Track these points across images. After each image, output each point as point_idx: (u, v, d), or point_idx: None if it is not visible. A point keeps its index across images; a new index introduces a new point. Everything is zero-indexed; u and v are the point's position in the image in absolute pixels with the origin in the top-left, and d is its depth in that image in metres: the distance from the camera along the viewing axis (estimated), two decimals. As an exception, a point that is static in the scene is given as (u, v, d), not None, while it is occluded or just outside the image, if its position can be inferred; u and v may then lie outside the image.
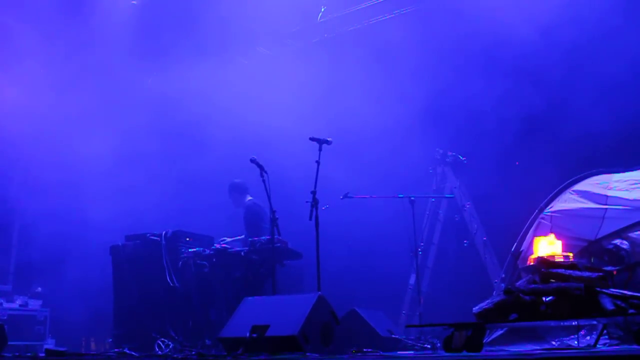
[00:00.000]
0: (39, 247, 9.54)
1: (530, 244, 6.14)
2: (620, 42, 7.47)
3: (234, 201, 8.28)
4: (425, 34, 8.79)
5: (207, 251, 7.34)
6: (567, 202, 6.42)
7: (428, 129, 8.68)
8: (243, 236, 7.86)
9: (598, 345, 5.12)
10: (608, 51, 7.55)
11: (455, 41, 8.51)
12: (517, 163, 8.29)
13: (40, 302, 9.57)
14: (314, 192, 6.41)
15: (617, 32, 7.44)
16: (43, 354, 6.06)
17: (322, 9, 9.92)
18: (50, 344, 9.06)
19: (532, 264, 5.20)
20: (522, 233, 6.59)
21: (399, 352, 5.69)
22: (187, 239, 7.48)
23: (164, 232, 7.38)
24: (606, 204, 6.12)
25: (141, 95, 9.90)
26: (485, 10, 8.12)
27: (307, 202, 6.40)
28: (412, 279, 8.65)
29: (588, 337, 5.43)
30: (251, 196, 8.14)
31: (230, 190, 8.27)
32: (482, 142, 8.44)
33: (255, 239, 7.23)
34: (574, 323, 5.24)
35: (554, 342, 5.65)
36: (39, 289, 9.72)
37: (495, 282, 7.54)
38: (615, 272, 5.31)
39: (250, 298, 5.79)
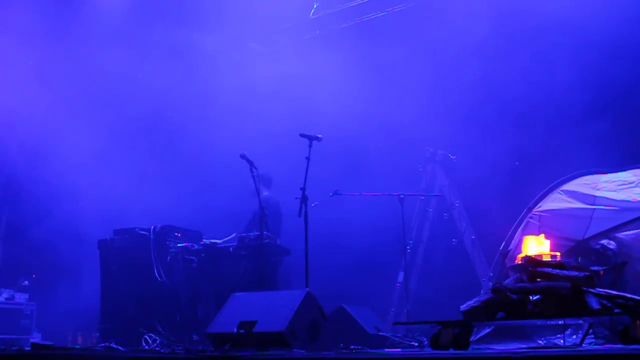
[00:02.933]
0: (25, 240, 9.48)
1: (518, 243, 6.17)
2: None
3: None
4: (417, 32, 8.80)
5: (196, 246, 7.31)
6: (555, 201, 6.45)
7: (418, 127, 8.69)
8: (234, 235, 7.73)
9: (584, 344, 5.15)
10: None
11: (445, 39, 8.50)
12: (517, 163, 8.30)
13: (26, 295, 9.52)
14: (303, 189, 6.40)
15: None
16: (29, 348, 6.02)
17: (315, 6, 9.91)
18: (36, 338, 9.02)
19: (519, 262, 5.21)
20: (510, 232, 6.61)
21: (386, 350, 5.69)
22: (176, 234, 7.44)
23: (152, 227, 7.33)
24: (594, 204, 6.15)
25: (131, 88, 9.84)
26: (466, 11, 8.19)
27: (296, 198, 6.40)
28: (401, 277, 8.67)
29: (574, 336, 5.46)
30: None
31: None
32: (472, 141, 8.46)
33: (244, 234, 7.23)
34: (560, 322, 5.26)
35: (540, 341, 5.67)
36: (26, 282, 9.67)
37: (484, 281, 7.57)
38: (602, 272, 5.35)
39: (238, 294, 5.79)
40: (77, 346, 7.77)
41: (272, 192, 7.89)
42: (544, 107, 8.13)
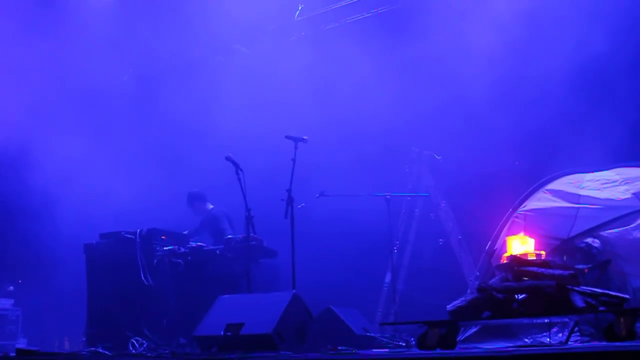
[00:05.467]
0: (11, 245, 9.40)
1: (504, 242, 6.19)
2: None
3: (196, 210, 8.39)
4: (402, 33, 8.82)
5: (182, 249, 7.30)
6: (540, 201, 6.48)
7: (404, 128, 8.72)
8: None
9: (570, 342, 5.18)
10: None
11: (427, 40, 8.52)
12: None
13: (12, 301, 9.43)
14: (289, 190, 6.42)
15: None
16: (14, 354, 5.97)
17: (300, 7, 9.91)
18: (22, 344, 8.94)
19: (505, 262, 5.24)
20: (496, 232, 6.63)
21: (373, 350, 5.71)
22: (162, 237, 7.40)
23: (138, 230, 7.29)
24: (578, 203, 6.19)
25: (116, 91, 9.80)
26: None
27: (282, 200, 6.40)
28: (388, 277, 8.68)
29: (560, 334, 5.48)
30: (212, 204, 8.34)
31: (191, 200, 8.39)
32: (457, 141, 8.49)
33: (231, 237, 7.22)
34: (546, 320, 5.29)
35: (526, 340, 5.70)
36: (11, 287, 9.58)
37: (470, 280, 7.60)
38: (586, 270, 5.38)
39: (225, 296, 5.77)
40: (64, 351, 7.72)
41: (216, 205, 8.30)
42: (530, 106, 8.16)
